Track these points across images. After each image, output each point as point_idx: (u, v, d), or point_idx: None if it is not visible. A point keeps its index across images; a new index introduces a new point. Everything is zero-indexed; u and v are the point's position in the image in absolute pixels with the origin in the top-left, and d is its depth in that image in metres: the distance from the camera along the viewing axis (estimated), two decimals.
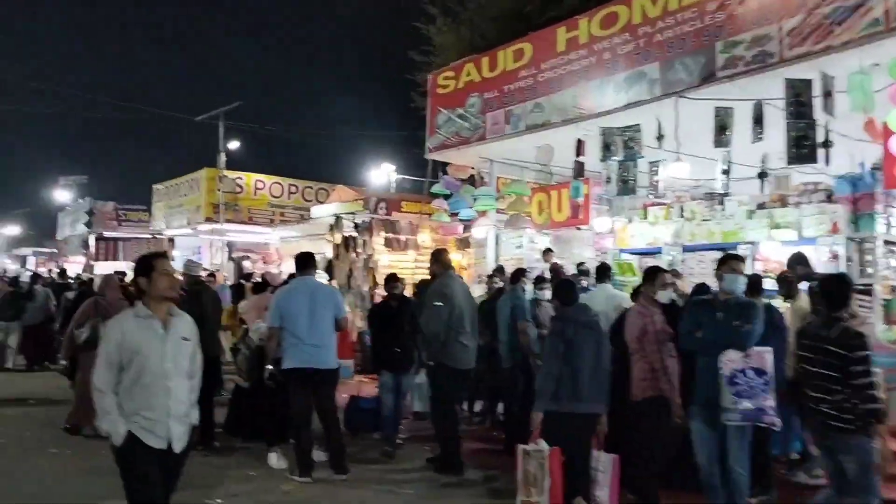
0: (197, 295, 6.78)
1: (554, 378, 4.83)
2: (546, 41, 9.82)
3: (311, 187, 23.99)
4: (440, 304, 6.06)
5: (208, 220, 22.14)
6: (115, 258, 29.87)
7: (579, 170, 9.44)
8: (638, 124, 8.54)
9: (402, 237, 13.29)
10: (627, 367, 5.08)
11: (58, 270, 19.08)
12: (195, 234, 26.05)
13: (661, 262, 8.31)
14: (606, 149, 8.76)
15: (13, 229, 55.12)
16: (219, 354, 7.37)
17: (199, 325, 3.88)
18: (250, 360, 6.59)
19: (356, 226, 13.25)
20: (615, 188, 9.03)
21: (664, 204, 9.34)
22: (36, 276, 14.85)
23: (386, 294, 7.50)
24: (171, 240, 30.21)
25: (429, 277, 7.13)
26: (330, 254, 13.68)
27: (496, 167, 11.54)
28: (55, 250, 37.20)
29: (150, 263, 3.61)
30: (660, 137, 8.33)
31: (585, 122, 9.17)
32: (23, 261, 43.68)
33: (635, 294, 5.73)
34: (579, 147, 9.35)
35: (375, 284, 12.09)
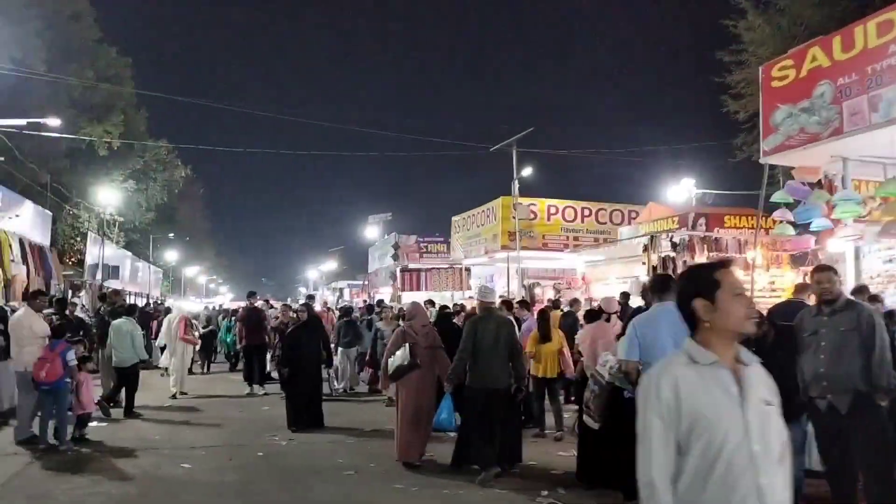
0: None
1: None
2: None
3: (604, 209, 23.19)
4: None
5: (504, 247, 22.33)
6: (418, 288, 31.69)
7: None
8: None
9: (729, 255, 11.79)
10: None
11: (369, 302, 20.57)
12: (491, 263, 26.62)
13: None
14: None
15: (331, 265, 62.53)
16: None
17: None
18: (600, 398, 5.83)
19: (674, 245, 12.07)
20: None
21: None
22: (370, 308, 16.15)
23: None
24: (468, 269, 31.26)
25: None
26: (643, 277, 12.64)
27: (850, 167, 9.64)
28: (366, 282, 41.04)
29: (713, 278, 2.29)
30: None
31: None
32: (339, 293, 49.10)
33: None
34: None
35: None
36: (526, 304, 11.48)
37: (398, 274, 31.63)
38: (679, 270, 11.75)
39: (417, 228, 32.96)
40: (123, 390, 10.66)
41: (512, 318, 9.31)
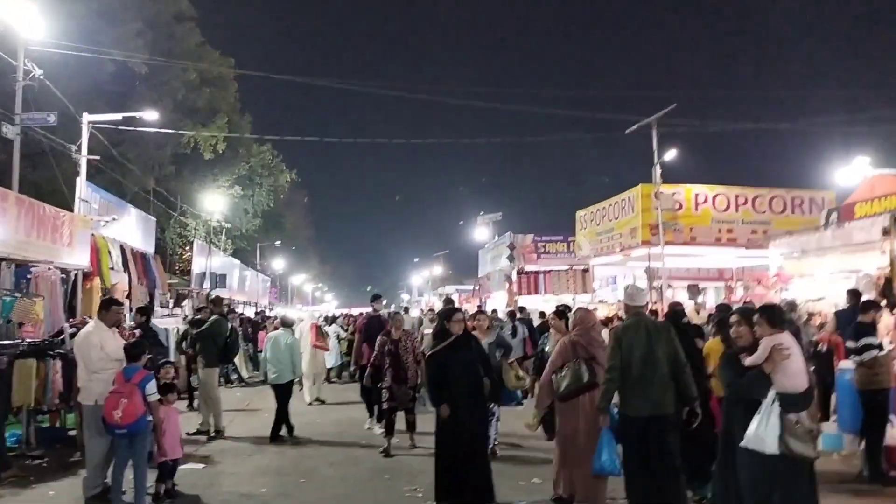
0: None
1: None
2: None
3: (762, 196, 19.82)
4: None
5: (645, 243, 19.37)
6: (536, 291, 29.25)
7: None
8: None
9: None
10: None
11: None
12: (622, 263, 23.81)
13: None
14: None
15: (436, 270, 60.87)
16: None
17: None
18: None
19: None
20: None
21: None
22: (512, 314, 14.31)
23: None
24: (586, 270, 28.52)
25: None
26: (873, 271, 9.60)
27: None
28: (477, 286, 38.77)
29: None
30: None
31: None
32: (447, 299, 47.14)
33: None
34: None
35: None
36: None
37: (514, 276, 29.24)
38: None
39: (531, 227, 30.28)
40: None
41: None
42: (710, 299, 26.98)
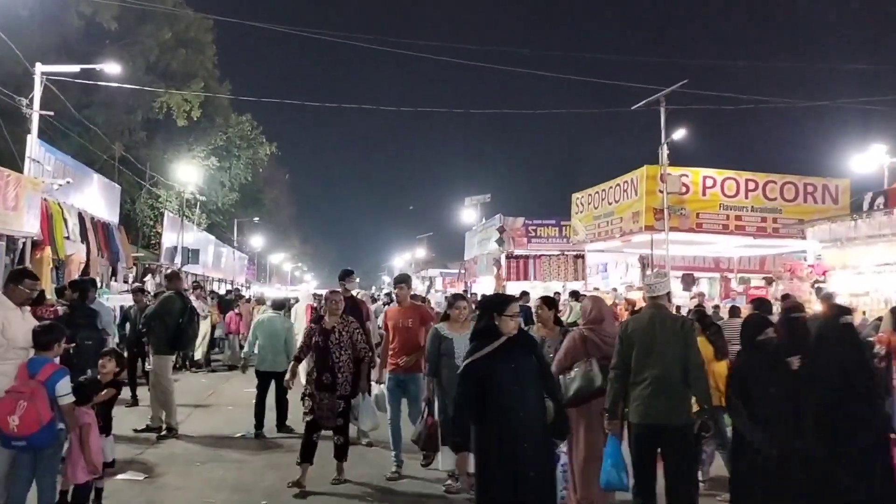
0: None
1: None
2: None
3: (773, 182, 18.50)
4: None
5: (648, 228, 18.05)
6: (525, 277, 28.13)
7: None
8: None
9: None
10: None
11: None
12: (618, 250, 22.63)
13: None
14: None
15: (419, 252, 59.48)
16: None
17: None
18: None
19: None
20: None
21: None
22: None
23: None
24: (581, 256, 27.53)
25: None
26: None
27: None
28: (462, 270, 37.42)
29: None
30: None
31: None
32: (430, 282, 45.75)
33: None
34: None
35: None
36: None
37: (503, 261, 27.91)
38: None
39: (522, 211, 28.94)
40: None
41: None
42: (704, 289, 25.96)
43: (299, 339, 7.19)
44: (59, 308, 7.93)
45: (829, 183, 18.94)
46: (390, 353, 6.86)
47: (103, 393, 5.17)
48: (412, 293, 7.91)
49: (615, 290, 21.55)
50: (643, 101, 18.34)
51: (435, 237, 57.86)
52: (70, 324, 6.44)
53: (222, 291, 26.47)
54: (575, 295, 12.65)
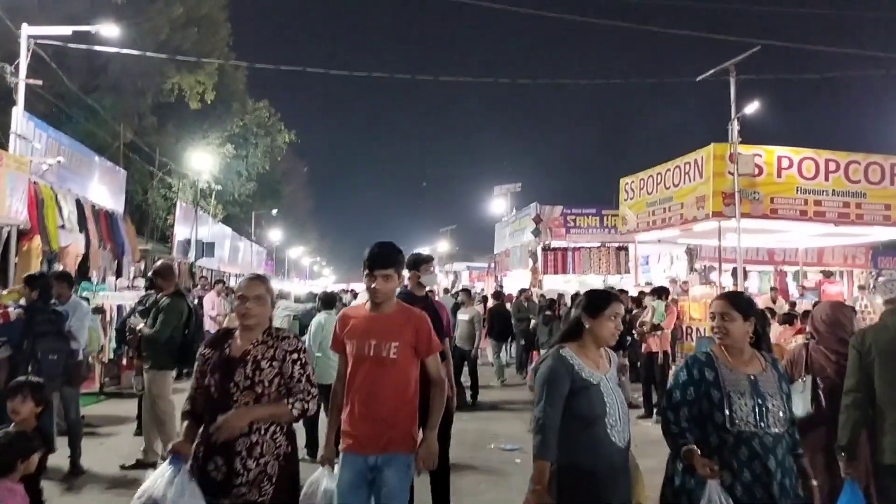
0: None
1: None
2: None
3: (857, 162, 16.34)
4: None
5: (717, 215, 15.94)
6: (563, 270, 26.20)
7: None
8: None
9: None
10: None
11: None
12: (672, 240, 20.64)
13: None
14: None
15: (442, 246, 57.60)
16: None
17: None
18: None
19: None
20: None
21: None
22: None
23: None
24: (624, 248, 25.61)
25: None
26: None
27: None
28: (492, 264, 35.48)
29: None
30: None
31: None
32: (455, 276, 43.79)
33: None
34: None
35: None
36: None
37: (539, 253, 25.90)
38: None
39: (558, 198, 26.95)
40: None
41: None
42: (753, 286, 23.81)
43: None
44: (10, 311, 5.97)
45: None
46: None
47: (35, 456, 3.23)
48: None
49: (674, 281, 19.33)
50: (711, 70, 16.23)
51: (459, 230, 55.99)
52: (27, 331, 4.59)
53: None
54: (658, 292, 10.63)
